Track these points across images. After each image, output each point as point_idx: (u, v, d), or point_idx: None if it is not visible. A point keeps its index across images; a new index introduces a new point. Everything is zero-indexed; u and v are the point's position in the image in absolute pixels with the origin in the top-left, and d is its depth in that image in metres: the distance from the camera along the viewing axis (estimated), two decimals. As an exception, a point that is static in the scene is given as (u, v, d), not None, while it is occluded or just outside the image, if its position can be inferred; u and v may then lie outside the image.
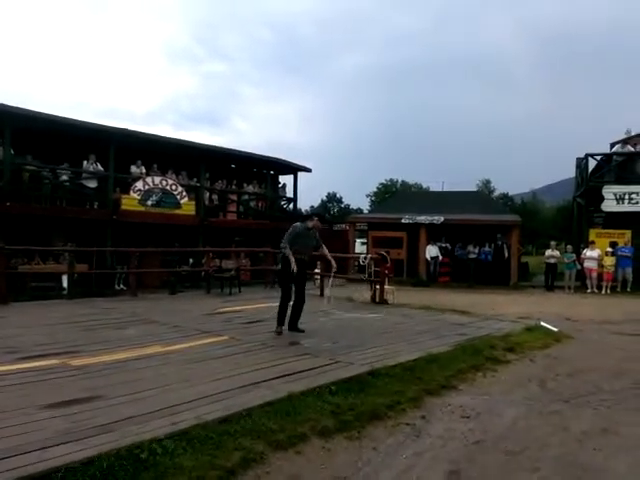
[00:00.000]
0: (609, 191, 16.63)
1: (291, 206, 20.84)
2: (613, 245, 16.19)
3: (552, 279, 16.78)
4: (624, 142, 18.13)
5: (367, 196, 63.66)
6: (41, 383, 4.53)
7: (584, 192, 17.88)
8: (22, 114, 12.66)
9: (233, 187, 18.87)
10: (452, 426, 4.07)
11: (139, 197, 14.95)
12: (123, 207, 14.65)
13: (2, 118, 12.52)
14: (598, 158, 17.95)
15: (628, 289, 15.58)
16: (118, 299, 11.24)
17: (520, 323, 8.71)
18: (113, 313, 8.77)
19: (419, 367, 5.45)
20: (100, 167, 14.66)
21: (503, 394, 4.96)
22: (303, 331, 7.10)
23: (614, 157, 17.86)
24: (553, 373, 5.76)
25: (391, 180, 63.49)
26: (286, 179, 21.17)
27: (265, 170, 20.15)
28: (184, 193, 16.05)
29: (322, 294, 11.61)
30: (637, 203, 16.29)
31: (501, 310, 10.75)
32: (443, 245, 18.69)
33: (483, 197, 28.86)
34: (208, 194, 17.64)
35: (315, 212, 27.64)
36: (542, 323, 8.66)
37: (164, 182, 15.62)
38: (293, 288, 7.09)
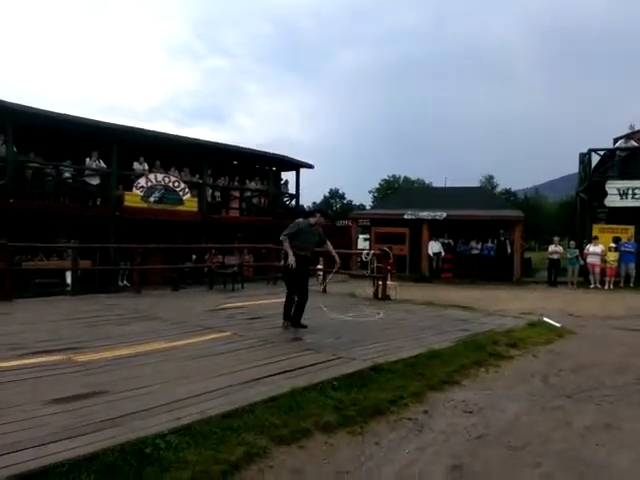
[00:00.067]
0: (612, 186, 16.57)
1: (293, 202, 20.84)
2: (616, 240, 16.16)
3: (555, 275, 16.77)
4: (627, 137, 18.08)
5: (369, 192, 63.60)
6: (45, 379, 4.56)
7: (587, 187, 17.83)
8: (24, 111, 12.67)
9: (235, 184, 18.88)
10: (455, 421, 4.08)
11: (142, 194, 14.97)
12: (126, 204, 14.67)
13: (5, 115, 12.54)
14: (601, 153, 17.91)
15: (631, 284, 15.56)
16: (121, 295, 11.28)
17: (523, 319, 8.70)
18: (116, 309, 8.80)
19: (421, 363, 5.45)
20: (103, 164, 14.68)
21: (506, 389, 4.97)
22: (306, 327, 7.11)
23: (617, 152, 17.80)
24: (556, 368, 5.76)
25: (393, 176, 63.37)
26: (288, 175, 21.18)
27: (267, 167, 20.14)
28: (187, 190, 16.07)
29: (325, 290, 11.63)
30: (640, 198, 16.24)
31: (504, 306, 10.74)
32: (446, 241, 18.67)
33: (486, 193, 28.77)
34: (211, 191, 17.65)
35: (318, 208, 27.64)
36: (545, 319, 8.66)
37: (167, 179, 15.63)
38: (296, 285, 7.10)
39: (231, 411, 3.79)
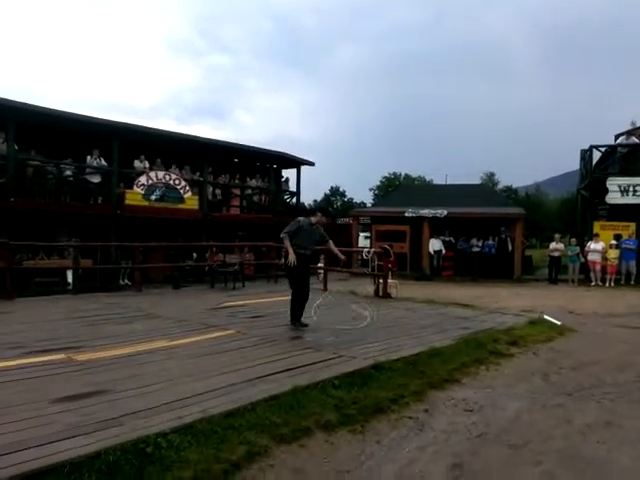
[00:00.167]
0: (613, 183, 16.55)
1: (294, 200, 20.85)
2: (617, 238, 16.14)
3: (556, 272, 16.77)
4: (629, 134, 18.04)
5: (370, 190, 63.56)
6: (46, 378, 4.57)
7: (588, 184, 17.80)
8: (25, 109, 12.68)
9: (236, 181, 18.89)
10: (455, 420, 4.09)
11: (143, 192, 14.98)
12: (127, 202, 14.68)
13: (5, 113, 12.54)
14: (602, 150, 17.86)
15: (632, 282, 15.56)
16: (122, 294, 11.30)
17: (524, 316, 8.71)
18: (117, 308, 8.81)
19: (422, 361, 5.46)
20: (104, 162, 14.69)
21: (506, 387, 4.97)
22: (307, 325, 7.12)
23: (618, 149, 17.75)
24: (556, 366, 5.77)
25: (394, 173, 63.31)
26: (289, 173, 21.19)
27: (268, 164, 20.15)
28: (187, 188, 16.07)
29: (326, 288, 11.63)
30: (642, 195, 16.21)
31: (504, 303, 10.75)
32: (446, 239, 18.68)
33: (487, 190, 28.74)
34: (211, 188, 17.66)
35: (319, 207, 27.64)
36: (545, 316, 8.66)
37: (167, 177, 15.64)
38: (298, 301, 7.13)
39: (233, 410, 3.80)
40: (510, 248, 17.81)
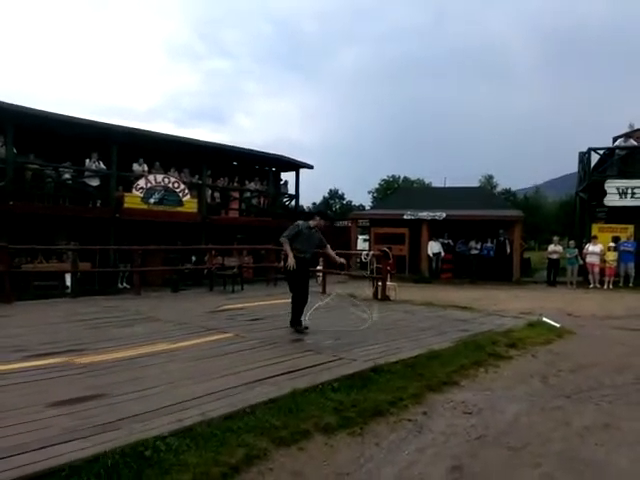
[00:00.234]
0: (612, 185, 16.58)
1: (293, 203, 20.86)
2: (616, 240, 16.16)
3: (554, 274, 16.78)
4: (627, 136, 18.09)
5: (369, 192, 63.57)
6: (46, 381, 4.57)
7: (587, 187, 17.84)
8: (24, 112, 12.69)
9: (235, 184, 18.89)
10: (454, 422, 4.09)
11: (141, 195, 14.98)
12: (126, 205, 14.68)
13: (4, 117, 12.56)
14: (601, 152, 17.92)
15: (630, 284, 15.56)
16: (121, 297, 11.29)
17: (522, 319, 8.72)
18: (117, 311, 8.81)
19: (421, 363, 5.47)
20: (102, 165, 14.69)
21: (505, 390, 4.98)
22: (306, 328, 7.12)
23: (617, 151, 17.81)
24: (555, 369, 5.78)
25: (393, 176, 63.36)
26: (288, 176, 21.20)
27: (267, 167, 20.15)
28: (186, 191, 16.08)
29: (324, 291, 11.64)
30: (640, 197, 16.25)
31: (503, 306, 10.76)
32: (445, 241, 18.69)
33: (485, 193, 28.78)
34: (210, 191, 17.67)
35: (318, 210, 27.66)
36: (544, 319, 8.67)
37: (166, 180, 15.64)
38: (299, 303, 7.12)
39: (232, 413, 3.80)
40: (509, 251, 17.83)
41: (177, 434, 3.39)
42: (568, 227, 25.39)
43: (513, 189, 56.69)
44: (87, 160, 14.52)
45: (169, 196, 15.57)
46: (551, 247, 17.21)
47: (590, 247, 15.93)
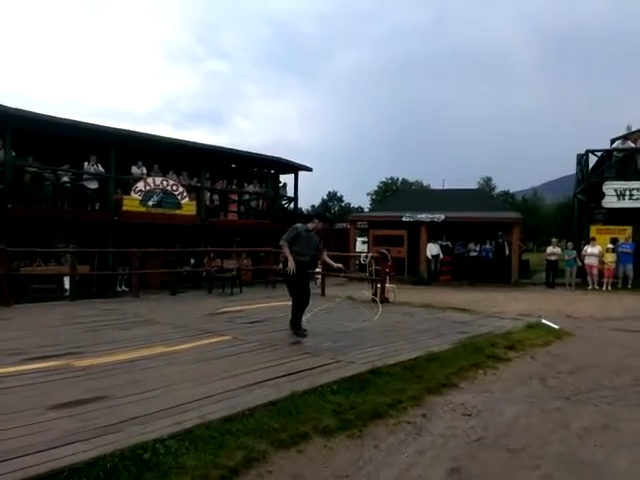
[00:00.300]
0: (610, 187, 16.62)
1: (292, 205, 20.87)
2: (614, 241, 16.19)
3: (553, 276, 16.80)
4: (624, 138, 18.13)
5: (368, 195, 63.64)
6: (45, 384, 4.56)
7: (585, 188, 17.87)
8: (23, 115, 12.70)
9: (234, 187, 18.90)
10: (453, 424, 4.10)
11: (140, 198, 14.99)
12: (124, 208, 14.69)
13: (2, 120, 12.56)
14: (599, 154, 17.94)
15: (629, 286, 15.57)
16: (120, 300, 11.28)
17: (521, 320, 8.73)
18: (115, 314, 8.80)
19: (420, 365, 5.47)
20: (101, 168, 14.70)
21: (504, 392, 4.98)
22: (305, 330, 7.11)
23: (615, 153, 17.84)
24: (554, 370, 5.78)
25: (392, 178, 63.45)
26: (287, 178, 21.23)
27: (266, 169, 20.18)
28: (185, 193, 16.08)
29: (323, 293, 11.64)
30: (638, 199, 16.26)
31: (502, 308, 10.77)
32: (444, 243, 18.70)
33: (484, 195, 28.84)
34: (209, 194, 17.68)
35: (316, 212, 27.66)
36: (543, 320, 8.68)
37: (165, 182, 15.65)
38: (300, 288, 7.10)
39: (231, 415, 3.80)
40: (507, 252, 17.85)
41: (176, 437, 3.38)
42: (566, 229, 25.44)
43: (511, 191, 56.78)
44: (85, 163, 14.53)
45: (168, 199, 15.58)
46: (550, 249, 17.23)
47: (588, 249, 15.95)
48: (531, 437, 3.87)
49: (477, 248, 18.21)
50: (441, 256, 18.40)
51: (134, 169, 15.68)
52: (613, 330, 8.47)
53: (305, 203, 45.70)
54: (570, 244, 17.10)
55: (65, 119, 13.69)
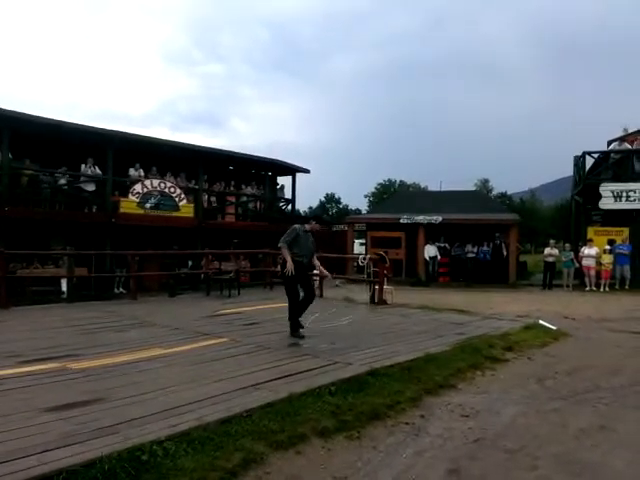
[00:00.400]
0: (606, 189, 16.67)
1: (289, 207, 20.88)
2: (611, 243, 16.24)
3: (550, 277, 16.83)
4: (621, 140, 18.21)
5: (365, 197, 63.83)
6: (42, 386, 4.55)
7: (582, 190, 17.93)
8: (20, 118, 12.68)
9: (231, 189, 18.90)
10: (451, 425, 4.10)
11: (138, 200, 14.97)
12: (122, 210, 14.67)
13: (0, 122, 12.53)
14: (595, 156, 18.01)
15: (626, 287, 15.64)
16: (118, 302, 11.25)
17: (519, 322, 8.74)
18: (113, 316, 8.78)
19: (418, 367, 5.47)
20: (98, 170, 14.68)
21: (502, 392, 4.99)
22: (302, 327, 7.09)
23: (611, 155, 17.92)
24: (551, 371, 5.80)
25: (389, 180, 63.64)
26: (284, 180, 21.23)
27: (263, 171, 20.18)
28: (182, 195, 16.07)
29: (322, 295, 11.64)
30: (635, 200, 16.33)
31: (500, 309, 10.79)
32: (442, 245, 18.73)
33: (481, 196, 28.91)
34: (206, 196, 17.66)
35: (314, 214, 27.67)
36: (540, 321, 8.70)
37: (162, 185, 15.64)
38: (299, 289, 7.09)
39: (229, 417, 3.80)
40: (505, 254, 17.88)
41: (174, 438, 3.38)
42: (564, 230, 25.48)
43: (508, 193, 56.93)
44: (83, 165, 14.50)
45: (165, 201, 15.56)
46: (547, 250, 17.26)
47: (586, 250, 16.00)
48: (529, 438, 3.88)
49: (475, 250, 18.25)
50: (439, 258, 18.43)
51: (132, 171, 15.66)
52: (610, 331, 8.49)
53: (303, 205, 45.79)
54: (567, 245, 17.15)
55: (62, 121, 13.68)
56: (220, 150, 18.21)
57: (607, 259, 15.81)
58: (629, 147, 17.61)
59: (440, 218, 18.37)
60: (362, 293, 11.65)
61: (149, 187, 15.25)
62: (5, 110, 12.40)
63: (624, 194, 16.45)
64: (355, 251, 20.25)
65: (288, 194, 20.85)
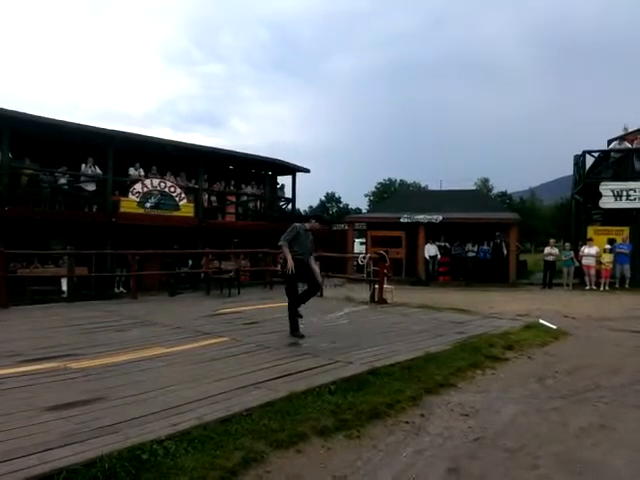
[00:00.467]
0: (607, 188, 16.66)
1: (290, 207, 20.88)
2: (611, 242, 16.23)
3: (551, 276, 16.83)
4: (621, 139, 18.19)
5: (366, 196, 63.81)
6: (43, 386, 4.55)
7: (582, 189, 17.92)
8: (20, 118, 12.67)
9: (231, 188, 18.90)
10: (451, 424, 4.10)
11: (138, 199, 14.97)
12: (122, 210, 14.67)
13: (0, 122, 12.53)
14: (596, 155, 17.99)
15: (626, 286, 15.63)
16: (118, 302, 11.26)
17: (519, 321, 8.74)
18: (113, 316, 8.78)
19: (418, 366, 5.47)
20: (98, 170, 14.68)
21: (502, 391, 4.99)
22: (301, 316, 7.08)
23: (611, 154, 17.90)
24: (552, 370, 5.80)
25: (389, 179, 63.63)
26: (285, 180, 21.23)
27: (263, 171, 20.18)
28: (183, 195, 16.07)
29: (322, 294, 11.63)
30: (635, 199, 16.31)
31: (500, 308, 10.78)
32: (442, 244, 18.73)
33: (481, 195, 28.92)
34: (207, 196, 17.66)
35: (314, 214, 27.65)
36: (541, 321, 8.70)
37: (162, 184, 15.64)
38: (300, 287, 7.10)
39: (229, 416, 3.80)
40: (505, 253, 17.88)
41: (174, 438, 3.38)
42: (564, 229, 25.48)
43: (509, 192, 56.92)
44: (83, 165, 14.50)
45: (165, 200, 15.56)
46: (547, 249, 17.26)
47: (586, 249, 15.99)
48: (529, 437, 3.88)
49: (475, 249, 18.26)
50: (439, 257, 18.43)
51: (132, 171, 15.66)
52: (610, 330, 8.49)
53: (303, 204, 45.78)
54: (567, 245, 17.14)
55: (62, 121, 13.67)
56: (220, 150, 18.21)
57: (607, 258, 15.81)
58: (629, 146, 17.59)
59: (440, 217, 18.37)
60: (362, 292, 11.67)
61: (149, 187, 15.25)
62: (5, 110, 12.40)
63: (624, 193, 16.44)
64: (355, 250, 20.25)
65: (288, 193, 20.86)
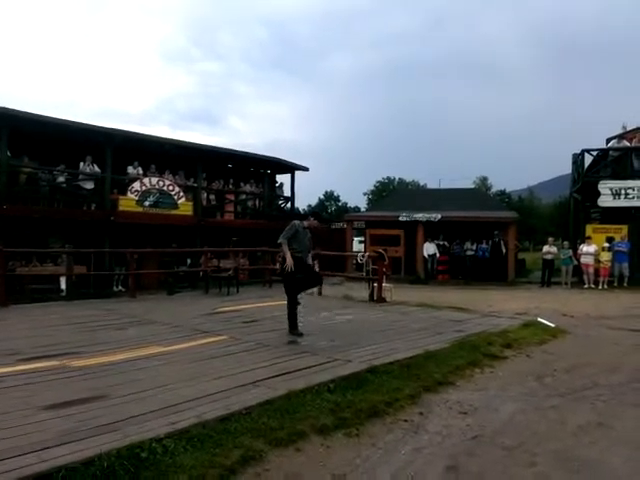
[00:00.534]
0: (605, 186, 16.66)
1: (288, 205, 20.87)
2: (609, 240, 16.25)
3: (549, 275, 16.85)
4: (620, 137, 18.20)
5: (364, 194, 63.81)
6: (41, 384, 4.56)
7: (580, 188, 17.93)
8: (18, 116, 12.64)
9: (230, 187, 18.88)
10: (450, 422, 4.11)
11: (136, 198, 14.95)
12: (120, 208, 14.65)
13: (-2, 120, 12.52)
14: (594, 154, 18.00)
15: (625, 284, 15.64)
16: (117, 300, 11.26)
17: (517, 319, 8.75)
18: (112, 314, 8.78)
19: (417, 364, 5.48)
20: (97, 168, 14.65)
21: (500, 390, 5.00)
22: (299, 304, 7.09)
23: (610, 152, 17.90)
24: (550, 368, 5.81)
25: (388, 178, 63.61)
26: (283, 178, 21.22)
27: (262, 169, 20.16)
28: (181, 193, 16.06)
29: (320, 293, 11.65)
30: (633, 198, 16.32)
31: (498, 306, 10.80)
32: (441, 242, 18.75)
33: (480, 194, 28.92)
34: (205, 194, 17.64)
35: (313, 212, 27.60)
36: (539, 319, 8.71)
37: (161, 183, 15.62)
38: (300, 286, 7.11)
39: (228, 414, 3.80)
40: (504, 251, 17.89)
41: (173, 436, 3.39)
42: (563, 228, 25.51)
43: (507, 190, 57.00)
44: (81, 163, 14.48)
45: (164, 199, 15.54)
46: (545, 248, 17.28)
47: (584, 248, 16.01)
48: (527, 434, 3.89)
49: (473, 247, 18.27)
50: (438, 255, 18.45)
51: (130, 169, 15.64)
52: (609, 328, 8.50)
53: (302, 203, 45.80)
54: (566, 243, 17.16)
55: (61, 119, 13.64)
56: (219, 148, 18.20)
57: (606, 257, 15.82)
58: (628, 144, 17.60)
59: (439, 216, 18.38)
60: (361, 291, 11.68)
61: (148, 185, 15.23)
62: (4, 108, 12.37)
63: (623, 192, 16.45)
64: (354, 249, 20.24)
65: (287, 192, 20.85)
